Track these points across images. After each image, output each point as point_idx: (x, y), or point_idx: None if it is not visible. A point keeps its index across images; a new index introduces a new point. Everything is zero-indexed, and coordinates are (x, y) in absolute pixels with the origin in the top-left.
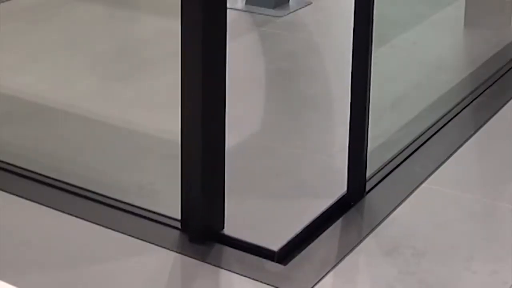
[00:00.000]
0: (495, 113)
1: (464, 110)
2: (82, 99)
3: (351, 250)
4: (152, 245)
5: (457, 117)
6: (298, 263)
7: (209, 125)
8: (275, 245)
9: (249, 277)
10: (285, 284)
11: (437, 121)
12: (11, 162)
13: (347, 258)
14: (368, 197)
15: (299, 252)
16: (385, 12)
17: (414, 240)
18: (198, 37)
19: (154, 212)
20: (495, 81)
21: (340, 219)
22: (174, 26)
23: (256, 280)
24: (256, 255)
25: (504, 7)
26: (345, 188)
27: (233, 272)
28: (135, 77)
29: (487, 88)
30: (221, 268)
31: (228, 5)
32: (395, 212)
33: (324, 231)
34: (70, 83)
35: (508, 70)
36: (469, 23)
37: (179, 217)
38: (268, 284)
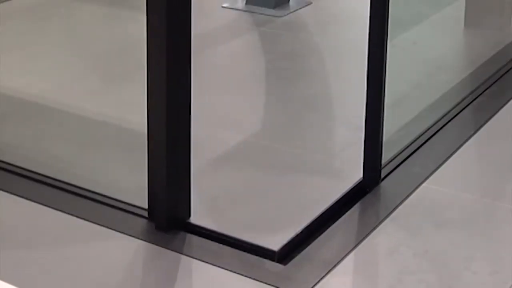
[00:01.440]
0: (495, 113)
1: (464, 110)
2: (82, 99)
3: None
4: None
5: (457, 117)
6: (299, 262)
7: (174, 115)
8: (275, 245)
9: (249, 277)
10: (285, 285)
11: (437, 121)
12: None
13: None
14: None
15: (299, 252)
16: None
17: (414, 240)
18: (162, 24)
19: (123, 202)
20: (495, 81)
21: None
22: None
23: (256, 280)
24: (256, 255)
25: (504, 7)
26: (345, 188)
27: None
28: (135, 77)
29: (487, 88)
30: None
31: (228, 5)
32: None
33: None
34: (70, 83)
35: (508, 70)
36: (469, 23)
37: (146, 207)
38: (268, 284)
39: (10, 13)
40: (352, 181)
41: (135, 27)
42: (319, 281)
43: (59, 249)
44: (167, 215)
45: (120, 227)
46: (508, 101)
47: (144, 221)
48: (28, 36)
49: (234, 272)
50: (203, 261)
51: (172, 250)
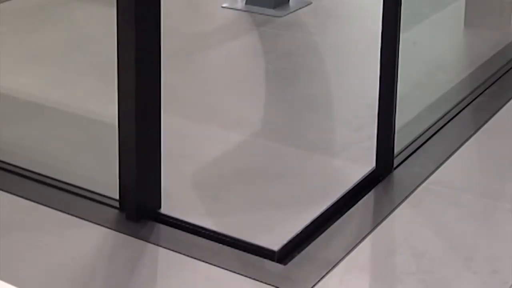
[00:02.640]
0: (495, 113)
1: (464, 110)
2: (82, 99)
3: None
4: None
5: (457, 117)
6: (299, 262)
7: (143, 107)
8: (275, 245)
9: (249, 277)
10: (285, 285)
11: (437, 121)
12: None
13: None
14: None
15: (299, 252)
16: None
17: (413, 240)
18: (131, 20)
19: (96, 193)
20: (495, 81)
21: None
22: (173, 25)
23: (256, 280)
24: (256, 255)
25: (504, 7)
26: (346, 188)
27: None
28: None
29: (487, 88)
30: (154, 244)
31: (228, 5)
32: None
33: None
34: (70, 83)
35: (508, 70)
36: (469, 23)
37: (118, 197)
38: (268, 284)
39: (10, 13)
40: (352, 181)
41: None
42: (319, 280)
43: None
44: (137, 206)
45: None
46: (508, 101)
47: (116, 211)
48: (28, 36)
49: (168, 248)
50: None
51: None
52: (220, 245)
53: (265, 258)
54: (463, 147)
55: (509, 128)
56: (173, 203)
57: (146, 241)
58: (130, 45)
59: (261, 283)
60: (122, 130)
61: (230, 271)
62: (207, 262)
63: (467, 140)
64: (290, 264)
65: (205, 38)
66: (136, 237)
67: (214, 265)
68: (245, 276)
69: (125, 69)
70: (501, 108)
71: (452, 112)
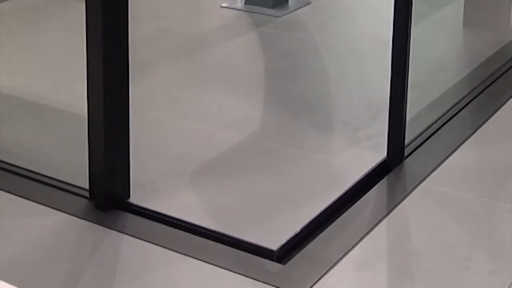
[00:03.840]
0: (494, 113)
1: (463, 110)
2: (82, 99)
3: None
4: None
5: (456, 116)
6: (298, 262)
7: (112, 98)
8: (274, 245)
9: (248, 277)
10: (284, 284)
11: (436, 121)
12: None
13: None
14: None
15: (298, 251)
16: (383, 11)
17: (413, 239)
18: (99, 8)
19: (67, 183)
20: (494, 80)
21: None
22: (172, 25)
23: (255, 280)
24: (255, 254)
25: (503, 7)
26: (345, 188)
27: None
28: (134, 76)
29: (486, 88)
30: (121, 232)
31: (227, 5)
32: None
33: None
34: (69, 83)
35: (507, 70)
36: (468, 22)
37: (87, 187)
38: (267, 284)
39: (10, 13)
40: (350, 181)
41: (135, 27)
42: (318, 280)
43: None
44: (106, 195)
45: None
46: (507, 100)
47: (86, 201)
48: (28, 36)
49: (137, 237)
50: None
51: (107, 227)
52: (219, 244)
53: (264, 257)
54: (462, 146)
55: (508, 128)
56: (163, 201)
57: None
58: (98, 37)
59: (260, 283)
60: (92, 122)
61: (229, 270)
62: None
63: (466, 139)
64: (289, 263)
65: (204, 37)
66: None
67: (214, 264)
68: (244, 275)
69: (94, 61)
70: (500, 107)
71: (451, 111)
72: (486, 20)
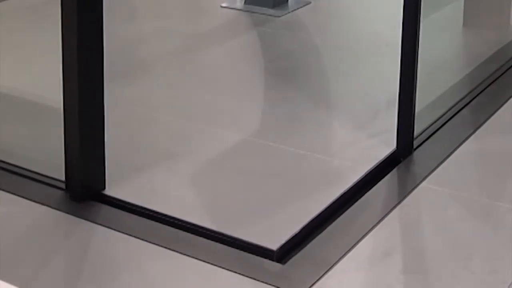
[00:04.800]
0: (494, 113)
1: (463, 110)
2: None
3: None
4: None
5: (456, 116)
6: (297, 261)
7: (86, 91)
8: (274, 244)
9: (248, 276)
10: (284, 284)
11: (436, 121)
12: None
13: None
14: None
15: (298, 251)
16: (383, 11)
17: (413, 240)
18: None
19: (44, 175)
20: (494, 80)
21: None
22: (172, 25)
23: (255, 279)
24: (255, 254)
25: (503, 7)
26: (345, 187)
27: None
28: (134, 76)
29: (486, 88)
30: (96, 223)
31: (227, 5)
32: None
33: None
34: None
35: (507, 70)
36: (468, 22)
37: (64, 179)
38: (266, 283)
39: (10, 12)
40: (351, 180)
41: (134, 27)
42: (317, 280)
43: None
44: (81, 187)
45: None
46: (507, 100)
47: (61, 192)
48: (28, 36)
49: (232, 271)
50: (111, 228)
51: (84, 218)
52: (219, 244)
53: (264, 257)
54: (462, 146)
55: (508, 128)
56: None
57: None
58: (72, 30)
59: (260, 282)
60: (67, 114)
61: (228, 270)
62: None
63: (466, 139)
64: (289, 263)
65: (204, 37)
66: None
67: (213, 264)
68: (244, 275)
69: (69, 54)
70: (500, 107)
71: (451, 111)
72: (486, 20)
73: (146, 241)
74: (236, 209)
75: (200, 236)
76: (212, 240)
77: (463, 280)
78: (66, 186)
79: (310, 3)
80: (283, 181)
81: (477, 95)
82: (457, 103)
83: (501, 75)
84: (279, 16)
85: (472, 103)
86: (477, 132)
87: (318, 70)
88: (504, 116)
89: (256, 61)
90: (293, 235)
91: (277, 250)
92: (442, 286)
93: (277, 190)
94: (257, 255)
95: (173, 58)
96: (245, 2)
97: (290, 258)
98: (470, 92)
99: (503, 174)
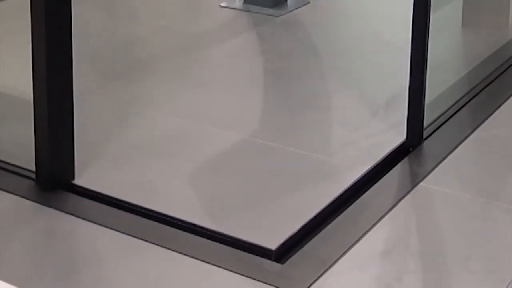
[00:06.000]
0: (492, 113)
1: (462, 110)
2: (81, 98)
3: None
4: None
5: (454, 116)
6: (296, 261)
7: (55, 82)
8: (273, 244)
9: (246, 276)
10: (283, 283)
11: (435, 121)
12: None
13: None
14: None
15: (297, 251)
16: (382, 11)
17: (411, 239)
18: None
19: (15, 165)
20: (493, 80)
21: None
22: (171, 25)
23: (254, 279)
24: (253, 253)
25: (502, 6)
26: (344, 187)
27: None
28: (133, 75)
29: (485, 87)
30: (65, 212)
31: (226, 4)
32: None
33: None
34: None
35: (506, 70)
36: (467, 22)
37: (34, 169)
38: (265, 283)
39: (10, 12)
40: (349, 181)
41: (133, 26)
42: (316, 279)
43: None
44: (51, 176)
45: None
46: (506, 100)
47: (32, 182)
48: (27, 36)
49: (231, 270)
50: (79, 217)
51: (53, 208)
52: (217, 243)
53: (262, 257)
54: (460, 146)
55: (507, 127)
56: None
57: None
58: (41, 22)
59: (259, 282)
60: (37, 106)
61: (227, 270)
62: (115, 229)
63: (465, 139)
64: (287, 262)
65: (203, 37)
66: (45, 205)
67: (211, 263)
68: (243, 275)
69: (38, 46)
70: (498, 107)
71: (449, 111)
72: (485, 19)
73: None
74: (235, 208)
75: (200, 235)
76: (210, 239)
77: (462, 280)
78: (36, 176)
79: (309, 2)
80: (283, 181)
81: (476, 94)
82: (455, 103)
83: (500, 75)
84: (278, 16)
85: (471, 102)
86: (475, 133)
87: (317, 69)
88: (503, 117)
89: (255, 61)
90: (292, 234)
91: (276, 250)
92: (441, 286)
93: (276, 190)
94: (255, 255)
95: (172, 58)
96: (244, 2)
97: (289, 257)
98: (469, 92)
99: (496, 180)
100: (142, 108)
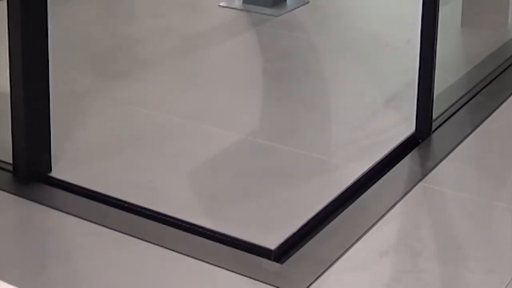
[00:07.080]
0: (492, 112)
1: (461, 109)
2: (80, 98)
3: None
4: None
5: (454, 116)
6: (296, 261)
7: (31, 75)
8: (272, 244)
9: (246, 276)
10: (282, 283)
11: (434, 120)
12: None
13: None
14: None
15: (296, 250)
16: (382, 11)
17: (411, 239)
18: None
19: None
20: (492, 80)
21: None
22: (170, 25)
23: (253, 279)
24: (253, 253)
25: (501, 6)
26: (344, 187)
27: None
28: (133, 75)
29: (484, 87)
30: (39, 203)
31: (225, 4)
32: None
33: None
34: (68, 82)
35: (505, 69)
36: (466, 22)
37: (11, 161)
38: (264, 283)
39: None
40: (348, 180)
41: (132, 26)
42: (316, 279)
43: None
44: (28, 169)
45: None
46: (505, 100)
47: (9, 174)
48: None
49: (230, 270)
50: (55, 209)
51: (29, 199)
52: (217, 243)
53: (262, 256)
54: (460, 146)
55: (506, 127)
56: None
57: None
58: (17, 19)
59: (258, 282)
60: (14, 99)
61: (226, 269)
62: (91, 221)
63: (464, 139)
64: (287, 262)
65: (202, 36)
66: (22, 197)
67: (211, 263)
68: (242, 274)
69: (15, 38)
70: (498, 107)
71: (449, 111)
72: (484, 19)
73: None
74: (234, 208)
75: (199, 235)
76: (209, 239)
77: (461, 280)
78: (13, 168)
79: (308, 2)
80: (283, 181)
81: (476, 94)
82: (454, 104)
83: (499, 75)
84: (277, 16)
85: (470, 102)
86: (474, 133)
87: (316, 69)
88: (502, 117)
89: (254, 61)
90: (291, 234)
91: (275, 250)
92: (440, 286)
93: (276, 190)
94: (255, 255)
95: (171, 57)
96: (243, 1)
97: (288, 257)
98: (468, 92)
99: (495, 180)
100: (140, 106)
